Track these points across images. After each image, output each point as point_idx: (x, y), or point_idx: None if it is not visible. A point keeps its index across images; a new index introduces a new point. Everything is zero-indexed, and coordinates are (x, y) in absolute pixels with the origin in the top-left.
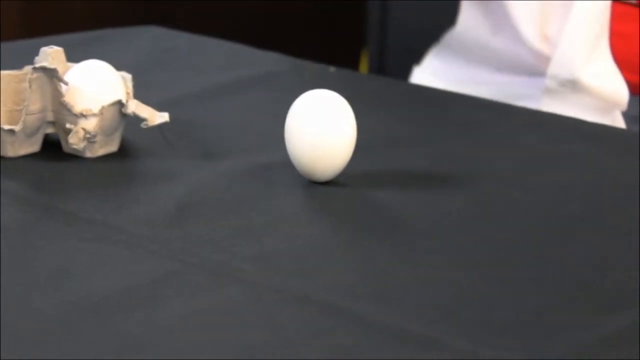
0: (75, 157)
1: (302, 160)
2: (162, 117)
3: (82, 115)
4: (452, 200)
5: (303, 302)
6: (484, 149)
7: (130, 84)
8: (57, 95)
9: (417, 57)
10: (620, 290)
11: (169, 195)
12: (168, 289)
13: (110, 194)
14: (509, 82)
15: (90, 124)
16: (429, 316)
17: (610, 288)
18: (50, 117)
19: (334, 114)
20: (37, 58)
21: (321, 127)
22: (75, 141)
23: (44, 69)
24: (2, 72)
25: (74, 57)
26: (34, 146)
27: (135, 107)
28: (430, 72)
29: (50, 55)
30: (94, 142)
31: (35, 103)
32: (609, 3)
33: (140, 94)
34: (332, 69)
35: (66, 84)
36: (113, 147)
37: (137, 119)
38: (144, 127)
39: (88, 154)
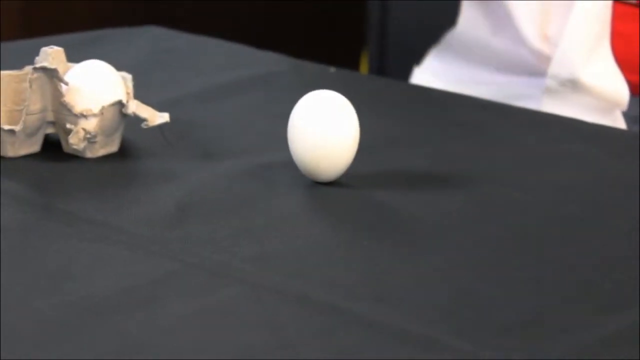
0: (75, 158)
1: (305, 160)
2: (163, 118)
3: (83, 116)
4: (452, 200)
5: (303, 302)
6: (484, 149)
7: (130, 84)
8: (58, 96)
9: (417, 57)
10: (620, 290)
11: (169, 195)
12: (168, 289)
13: (111, 194)
14: (509, 82)
15: (91, 124)
16: (429, 316)
17: (610, 288)
18: (50, 117)
19: (338, 115)
20: (37, 58)
21: (325, 128)
22: (75, 141)
23: (44, 69)
24: (2, 72)
25: (74, 57)
26: (34, 146)
27: (136, 107)
28: (431, 73)
29: (51, 55)
30: (94, 142)
31: (35, 103)
32: (609, 3)
33: (140, 94)
34: (332, 69)
35: (66, 84)
36: (113, 148)
37: (138, 119)
38: (145, 127)
39: (88, 154)
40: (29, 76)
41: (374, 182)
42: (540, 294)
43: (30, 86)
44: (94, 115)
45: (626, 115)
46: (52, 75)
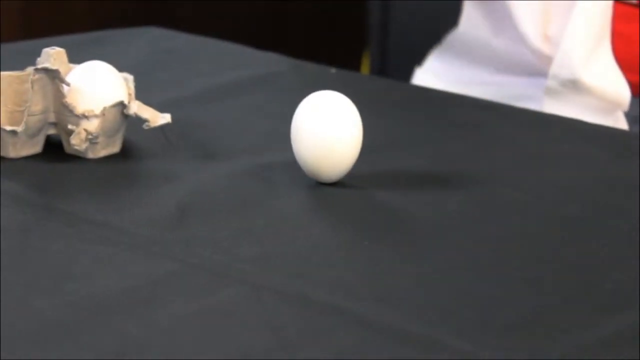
0: (77, 158)
1: (308, 160)
2: (164, 118)
3: (84, 117)
4: (452, 200)
5: (303, 302)
6: (484, 149)
7: (132, 85)
8: (59, 96)
9: (418, 58)
10: (620, 290)
11: (170, 196)
12: (168, 289)
13: (112, 195)
14: (510, 82)
15: (92, 125)
16: (429, 316)
17: (610, 288)
18: (52, 118)
19: (342, 116)
20: (39, 59)
21: (329, 129)
22: (77, 142)
23: (46, 70)
24: (3, 73)
25: (74, 58)
26: (36, 147)
27: (137, 108)
28: (432, 73)
29: (52, 56)
30: (95, 143)
31: (37, 104)
32: (610, 3)
33: (140, 94)
34: (333, 69)
35: (68, 85)
36: (115, 148)
37: (139, 120)
38: (146, 128)
39: (90, 155)
40: (31, 77)
41: (374, 182)
42: (540, 294)
43: (32, 87)
44: (96, 116)
45: (627, 115)
46: (53, 76)
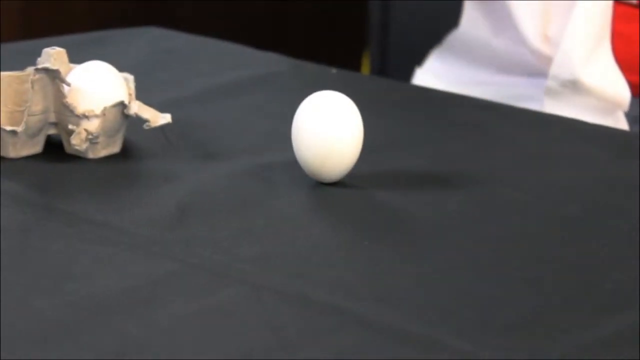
0: (77, 158)
1: (309, 160)
2: (165, 118)
3: (85, 117)
4: (452, 200)
5: (303, 302)
6: (484, 149)
7: (132, 85)
8: (60, 97)
9: (418, 58)
10: (620, 290)
11: (170, 196)
12: (168, 289)
13: (112, 195)
14: (510, 82)
15: (93, 125)
16: (429, 316)
17: (610, 288)
18: (52, 118)
19: (343, 116)
20: (39, 59)
21: (331, 129)
22: (77, 142)
23: (46, 70)
24: (3, 73)
25: (74, 58)
26: (36, 147)
27: (138, 108)
28: (432, 74)
29: (53, 56)
30: (96, 143)
31: (37, 104)
32: (610, 3)
33: (140, 94)
34: (333, 70)
35: (68, 85)
36: (115, 148)
37: (139, 120)
38: (146, 128)
39: (90, 155)
40: (31, 77)
41: (374, 182)
42: (540, 294)
43: (32, 87)
44: (96, 116)
45: (627, 115)
46: (54, 76)
